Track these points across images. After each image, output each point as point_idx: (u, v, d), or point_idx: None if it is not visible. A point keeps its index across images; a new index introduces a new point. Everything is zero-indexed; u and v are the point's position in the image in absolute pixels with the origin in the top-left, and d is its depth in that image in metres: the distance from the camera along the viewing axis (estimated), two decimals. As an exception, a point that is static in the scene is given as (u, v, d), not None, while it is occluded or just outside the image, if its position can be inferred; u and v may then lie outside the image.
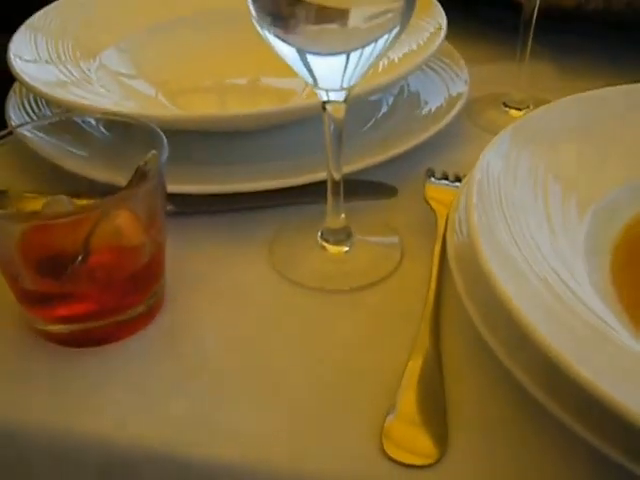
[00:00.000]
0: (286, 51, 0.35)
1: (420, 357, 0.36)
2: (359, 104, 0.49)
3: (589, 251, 0.36)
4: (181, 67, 0.62)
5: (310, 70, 0.36)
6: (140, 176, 0.39)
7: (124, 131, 0.42)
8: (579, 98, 0.46)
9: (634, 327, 0.32)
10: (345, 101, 0.39)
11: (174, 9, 0.66)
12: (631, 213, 0.38)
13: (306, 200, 0.48)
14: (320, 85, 0.37)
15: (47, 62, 0.56)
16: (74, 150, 0.48)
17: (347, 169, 0.47)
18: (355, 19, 0.33)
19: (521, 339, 0.30)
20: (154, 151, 0.38)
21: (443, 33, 0.55)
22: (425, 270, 0.42)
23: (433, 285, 0.40)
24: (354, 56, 0.34)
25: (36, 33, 0.59)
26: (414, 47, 0.55)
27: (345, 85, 0.37)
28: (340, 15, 0.32)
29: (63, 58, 0.58)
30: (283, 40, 0.34)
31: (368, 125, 0.55)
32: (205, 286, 0.43)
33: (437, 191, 0.47)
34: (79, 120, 0.46)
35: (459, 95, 0.56)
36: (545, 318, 0.30)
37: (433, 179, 0.48)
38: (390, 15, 0.34)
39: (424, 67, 0.59)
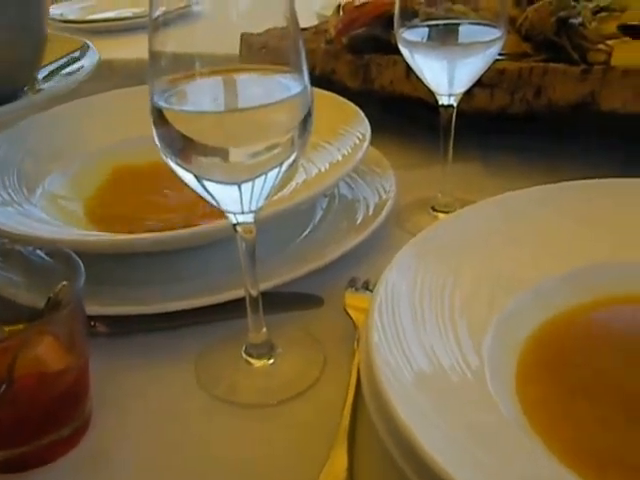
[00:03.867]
0: (186, 177, 0.37)
1: (332, 473, 0.36)
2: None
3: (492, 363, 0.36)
4: (119, 189, 0.63)
5: (210, 194, 0.38)
6: (53, 305, 0.40)
7: (52, 257, 0.43)
8: (484, 204, 0.47)
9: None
10: (255, 222, 0.40)
11: (116, 134, 0.68)
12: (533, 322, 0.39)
13: (232, 315, 0.48)
14: (223, 208, 0.39)
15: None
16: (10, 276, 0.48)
17: (271, 284, 0.48)
18: (236, 156, 0.35)
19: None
20: (65, 282, 0.40)
21: (366, 144, 0.57)
22: (346, 381, 0.42)
23: (350, 398, 0.41)
24: (246, 187, 0.36)
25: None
26: (339, 157, 0.58)
27: (247, 209, 0.38)
28: (222, 152, 0.34)
29: (7, 184, 0.60)
30: (182, 167, 0.37)
31: (300, 238, 0.56)
32: (132, 405, 0.44)
33: (357, 300, 0.48)
34: (17, 247, 0.47)
35: (384, 203, 0.58)
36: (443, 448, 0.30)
37: (353, 288, 0.49)
38: (278, 150, 0.36)
39: (352, 174, 0.61)
